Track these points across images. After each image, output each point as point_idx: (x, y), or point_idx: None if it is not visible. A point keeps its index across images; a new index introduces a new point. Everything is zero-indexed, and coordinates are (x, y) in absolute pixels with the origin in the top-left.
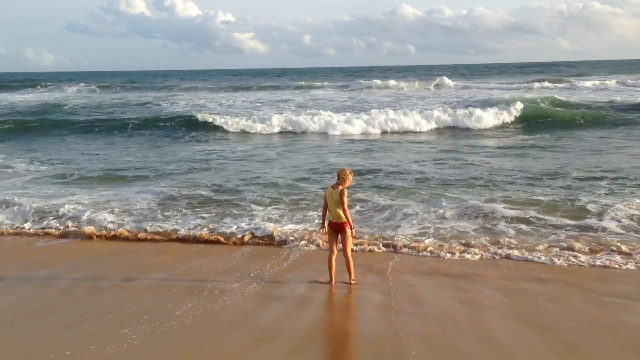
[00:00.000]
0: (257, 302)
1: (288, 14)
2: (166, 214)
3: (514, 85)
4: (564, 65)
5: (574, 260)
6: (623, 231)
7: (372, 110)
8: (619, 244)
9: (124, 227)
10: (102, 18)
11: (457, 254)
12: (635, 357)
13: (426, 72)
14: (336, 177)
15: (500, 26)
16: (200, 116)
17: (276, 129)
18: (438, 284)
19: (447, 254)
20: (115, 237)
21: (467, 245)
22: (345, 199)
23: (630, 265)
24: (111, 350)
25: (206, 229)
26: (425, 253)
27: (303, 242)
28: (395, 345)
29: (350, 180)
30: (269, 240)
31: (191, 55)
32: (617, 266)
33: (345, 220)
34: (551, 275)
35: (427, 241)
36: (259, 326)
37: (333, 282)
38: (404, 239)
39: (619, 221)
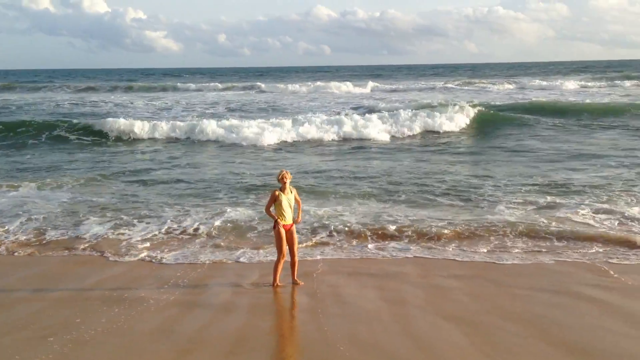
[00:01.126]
0: (179, 310)
1: (202, 12)
2: (71, 221)
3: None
4: (470, 67)
5: (485, 256)
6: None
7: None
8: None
9: (24, 237)
10: (3, 14)
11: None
12: (550, 348)
13: (342, 73)
14: (281, 181)
15: (412, 28)
16: None
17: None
18: (362, 283)
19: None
20: (19, 247)
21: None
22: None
23: (535, 259)
24: None
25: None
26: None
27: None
28: (324, 347)
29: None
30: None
31: (100, 53)
32: (523, 262)
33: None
34: (465, 271)
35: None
36: (183, 335)
37: (277, 284)
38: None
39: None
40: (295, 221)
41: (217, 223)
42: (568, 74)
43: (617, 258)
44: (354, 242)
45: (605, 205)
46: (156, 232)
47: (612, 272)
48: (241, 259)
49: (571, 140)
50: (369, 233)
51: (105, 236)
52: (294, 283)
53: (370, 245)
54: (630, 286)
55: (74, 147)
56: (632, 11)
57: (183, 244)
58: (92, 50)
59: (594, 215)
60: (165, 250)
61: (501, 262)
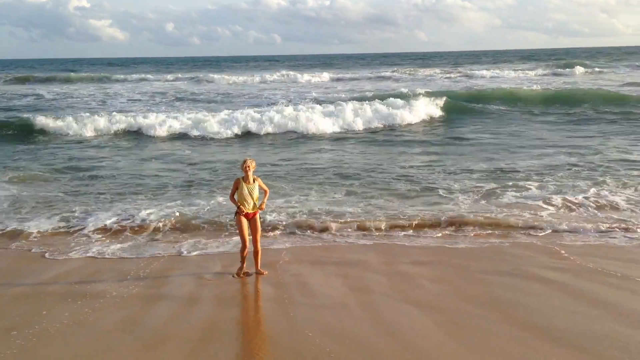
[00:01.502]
0: (142, 303)
1: (148, 1)
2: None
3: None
4: (421, 56)
5: (445, 239)
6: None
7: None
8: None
9: None
10: None
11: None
12: (514, 329)
13: (295, 63)
14: (244, 169)
15: (362, 17)
16: None
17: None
18: (326, 272)
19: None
20: None
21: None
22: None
23: (490, 243)
24: None
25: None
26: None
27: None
28: (294, 336)
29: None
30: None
31: (43, 43)
32: (480, 246)
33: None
34: (426, 257)
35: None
36: (149, 329)
37: (241, 273)
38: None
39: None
40: (259, 208)
41: (165, 214)
42: (515, 62)
43: (567, 240)
44: (313, 232)
45: (551, 190)
46: (108, 226)
47: (563, 252)
48: (196, 252)
49: (518, 128)
50: (330, 221)
51: (57, 230)
52: (257, 273)
53: (329, 234)
54: (579, 265)
55: (11, 141)
56: (574, 0)
57: (136, 238)
58: (34, 39)
59: (541, 201)
60: (121, 244)
61: (458, 247)
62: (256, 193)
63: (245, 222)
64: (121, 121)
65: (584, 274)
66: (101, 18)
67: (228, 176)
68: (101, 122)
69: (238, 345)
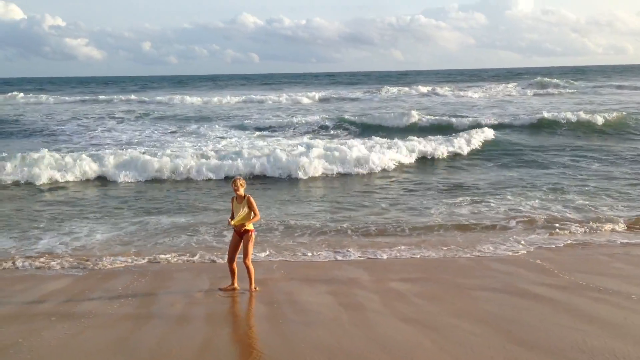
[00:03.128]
0: (132, 323)
1: (124, 20)
2: None
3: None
4: (398, 74)
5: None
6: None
7: None
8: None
9: None
10: None
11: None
12: (511, 344)
13: (276, 81)
14: (235, 189)
15: (337, 36)
16: None
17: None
18: (316, 290)
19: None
20: None
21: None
22: (254, 205)
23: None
24: None
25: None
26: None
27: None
28: (289, 355)
29: (244, 186)
30: None
31: (18, 62)
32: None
33: (251, 227)
34: (414, 274)
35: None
36: (142, 350)
37: (236, 286)
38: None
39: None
40: (239, 226)
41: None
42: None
43: (550, 253)
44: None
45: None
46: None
47: (550, 269)
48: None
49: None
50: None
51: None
52: (250, 290)
53: (321, 252)
54: (567, 280)
55: None
56: (545, 20)
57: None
58: (9, 58)
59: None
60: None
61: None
62: (244, 211)
63: (232, 239)
64: None
65: (571, 289)
66: (77, 37)
67: None
68: None
69: None
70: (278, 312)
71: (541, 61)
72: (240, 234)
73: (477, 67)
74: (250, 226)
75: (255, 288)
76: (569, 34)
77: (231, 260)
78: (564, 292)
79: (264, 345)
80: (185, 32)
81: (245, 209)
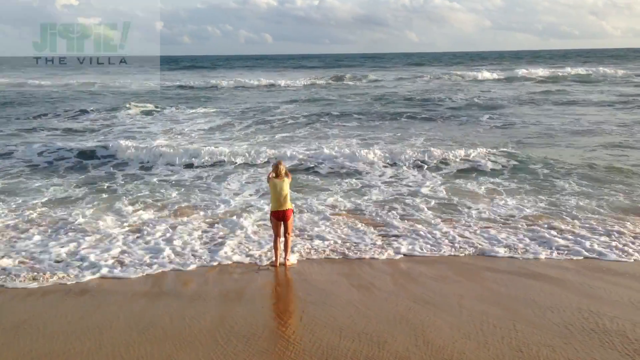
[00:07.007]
0: (146, 300)
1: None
2: None
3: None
4: (416, 56)
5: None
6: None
7: None
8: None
9: None
10: None
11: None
12: (520, 324)
13: (291, 63)
14: (275, 169)
15: (351, 18)
16: None
17: None
18: (328, 270)
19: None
20: None
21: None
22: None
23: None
24: None
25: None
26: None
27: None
28: (303, 333)
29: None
30: None
31: (31, 40)
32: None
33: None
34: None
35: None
36: (156, 327)
37: (278, 264)
38: None
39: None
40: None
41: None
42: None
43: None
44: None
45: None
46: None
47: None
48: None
49: None
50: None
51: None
52: (284, 264)
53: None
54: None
55: None
56: (563, 2)
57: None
58: (23, 37)
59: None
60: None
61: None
62: (286, 190)
63: (275, 220)
64: None
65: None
66: (90, 15)
67: None
68: None
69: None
70: (291, 292)
71: (558, 43)
72: (283, 214)
73: (494, 49)
74: (291, 205)
75: (288, 262)
76: (587, 16)
77: (280, 237)
78: (574, 274)
79: (278, 324)
80: (198, 12)
81: (288, 182)
